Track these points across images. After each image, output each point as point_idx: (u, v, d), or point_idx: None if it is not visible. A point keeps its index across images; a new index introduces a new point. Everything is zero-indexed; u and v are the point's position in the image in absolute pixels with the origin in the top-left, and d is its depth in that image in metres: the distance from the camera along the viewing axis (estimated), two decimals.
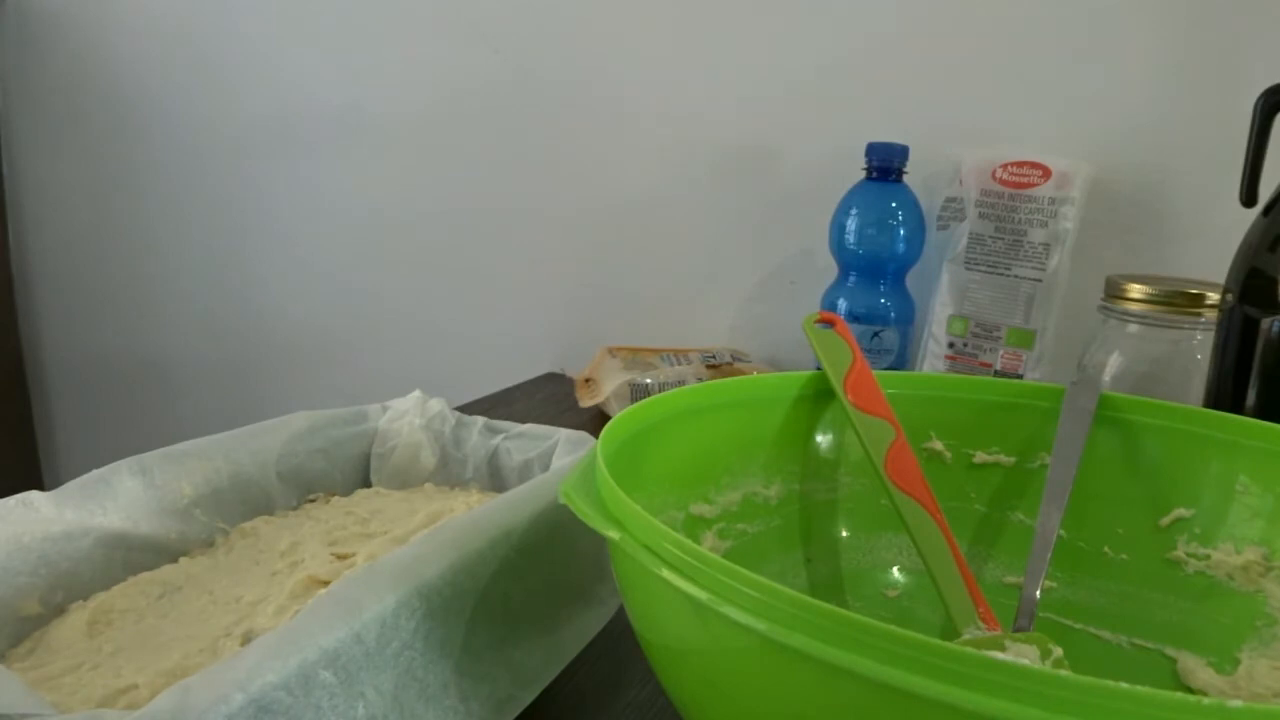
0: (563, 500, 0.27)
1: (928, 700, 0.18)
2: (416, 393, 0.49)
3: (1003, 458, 0.43)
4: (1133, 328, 0.58)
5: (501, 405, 0.79)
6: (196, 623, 0.32)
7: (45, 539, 0.33)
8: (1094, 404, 0.41)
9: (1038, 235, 0.69)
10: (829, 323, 0.44)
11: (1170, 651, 0.37)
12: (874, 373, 0.42)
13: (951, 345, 0.72)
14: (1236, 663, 0.35)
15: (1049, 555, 0.36)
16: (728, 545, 0.39)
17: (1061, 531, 0.39)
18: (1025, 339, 0.70)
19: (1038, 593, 0.36)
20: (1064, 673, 0.17)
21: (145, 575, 0.36)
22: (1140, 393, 0.41)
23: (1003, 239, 0.70)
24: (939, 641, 0.18)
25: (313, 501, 0.44)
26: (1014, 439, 0.43)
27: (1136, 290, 0.57)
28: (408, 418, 0.48)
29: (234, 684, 0.22)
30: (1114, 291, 0.59)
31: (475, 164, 0.98)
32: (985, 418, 0.43)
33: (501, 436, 0.48)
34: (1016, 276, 0.70)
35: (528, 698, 0.32)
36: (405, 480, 0.48)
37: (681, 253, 0.90)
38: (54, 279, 1.27)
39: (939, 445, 0.43)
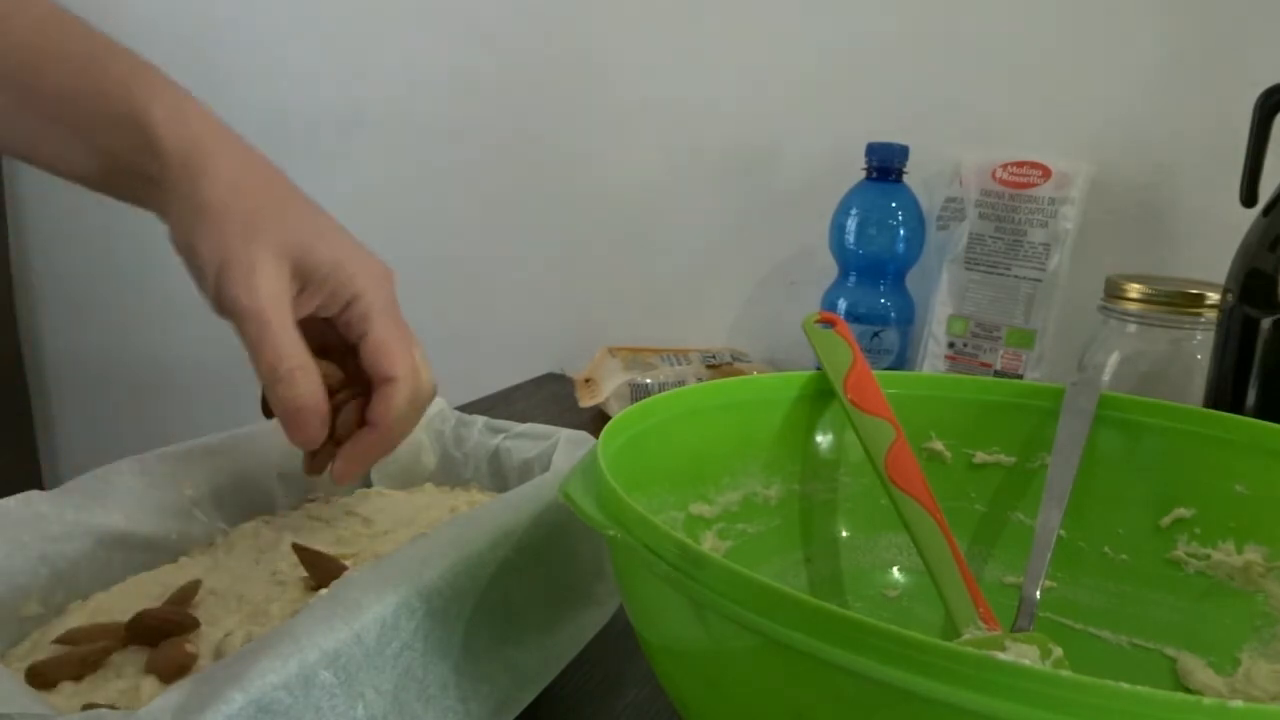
0: (563, 500, 0.27)
1: (928, 700, 0.18)
2: None
3: (1003, 458, 0.43)
4: (1133, 328, 0.58)
5: (502, 405, 0.79)
6: None
7: (45, 539, 0.33)
8: (1094, 404, 0.41)
9: (1038, 235, 0.69)
10: (829, 323, 0.44)
11: (1170, 651, 0.37)
12: (874, 373, 0.42)
13: (951, 345, 0.72)
14: (1236, 663, 0.35)
15: (1049, 555, 0.36)
16: (728, 545, 0.39)
17: (1061, 531, 0.38)
18: (1025, 339, 0.70)
19: (1038, 593, 0.36)
20: (1064, 673, 0.17)
21: (145, 575, 0.36)
22: (1140, 393, 0.41)
23: (1003, 239, 0.70)
24: (939, 641, 0.18)
25: (313, 501, 0.44)
26: (1014, 439, 0.43)
27: (1136, 290, 0.57)
28: None
29: (234, 684, 0.22)
30: (1114, 291, 0.59)
31: (475, 164, 0.98)
32: (985, 418, 0.43)
33: (502, 436, 0.48)
34: (1016, 276, 0.70)
35: (527, 698, 0.32)
36: (406, 480, 0.47)
37: (681, 253, 0.90)
38: (54, 279, 1.27)
39: (939, 445, 0.43)
